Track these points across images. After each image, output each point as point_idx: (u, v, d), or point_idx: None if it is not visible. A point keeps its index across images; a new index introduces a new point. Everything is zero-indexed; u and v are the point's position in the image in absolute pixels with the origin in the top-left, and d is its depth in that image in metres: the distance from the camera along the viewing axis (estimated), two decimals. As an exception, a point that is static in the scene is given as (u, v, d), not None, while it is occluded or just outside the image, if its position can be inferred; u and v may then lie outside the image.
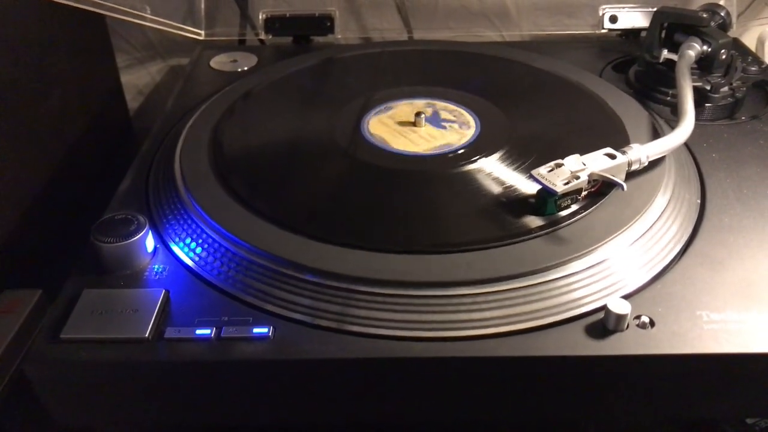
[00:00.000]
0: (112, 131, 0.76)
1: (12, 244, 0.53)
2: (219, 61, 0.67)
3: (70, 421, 0.38)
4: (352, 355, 0.35)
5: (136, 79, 0.82)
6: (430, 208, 0.44)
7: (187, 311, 0.38)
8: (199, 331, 0.36)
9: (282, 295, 0.38)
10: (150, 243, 0.42)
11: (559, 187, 0.39)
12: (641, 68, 0.61)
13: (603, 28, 0.70)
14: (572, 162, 0.40)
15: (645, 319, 0.37)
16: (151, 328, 0.36)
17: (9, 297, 0.49)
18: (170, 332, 0.36)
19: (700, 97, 0.56)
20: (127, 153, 0.71)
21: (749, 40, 0.75)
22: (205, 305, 0.38)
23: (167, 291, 0.39)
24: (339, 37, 0.71)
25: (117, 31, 0.77)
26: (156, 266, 0.41)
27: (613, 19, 0.70)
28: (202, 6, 0.72)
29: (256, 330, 0.36)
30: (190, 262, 0.41)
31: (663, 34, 0.59)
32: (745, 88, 0.57)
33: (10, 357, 0.45)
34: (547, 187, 0.39)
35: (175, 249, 0.42)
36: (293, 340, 0.36)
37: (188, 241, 0.42)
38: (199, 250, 0.42)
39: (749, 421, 0.42)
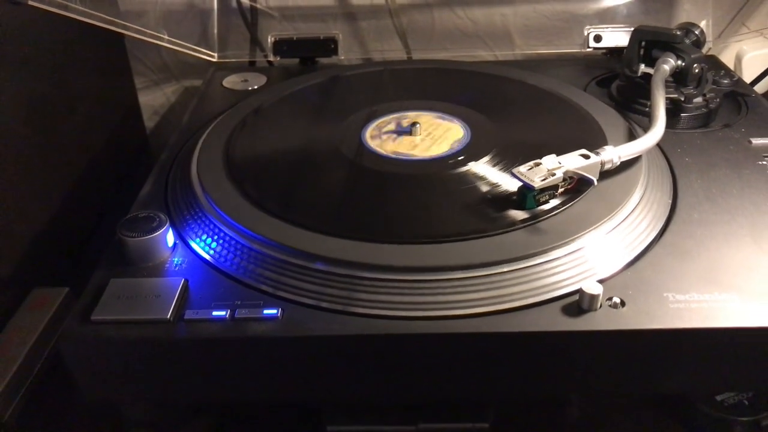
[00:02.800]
0: (130, 147, 0.81)
1: (41, 247, 0.58)
2: (231, 81, 0.72)
3: (98, 395, 0.42)
4: (354, 332, 0.39)
5: (152, 100, 0.88)
6: (424, 205, 0.48)
7: (204, 297, 0.42)
8: (215, 313, 0.41)
9: (290, 282, 0.42)
10: (170, 238, 0.46)
11: (537, 183, 0.44)
12: (622, 82, 0.66)
13: (588, 47, 0.75)
14: (549, 161, 0.45)
15: (616, 299, 0.41)
16: (172, 311, 0.41)
17: (39, 294, 0.54)
18: (189, 314, 0.41)
19: (676, 107, 0.60)
20: (143, 167, 0.76)
21: (728, 57, 0.80)
22: (220, 292, 0.42)
23: (186, 280, 0.43)
24: (342, 58, 0.76)
25: (135, 54, 0.83)
26: (175, 259, 0.45)
27: (598, 38, 0.75)
28: (215, 31, 0.78)
29: (266, 311, 0.40)
30: (206, 256, 0.45)
31: (642, 51, 0.64)
32: (718, 99, 0.62)
33: (40, 348, 0.50)
34: (526, 183, 0.44)
35: (193, 245, 0.47)
36: (300, 320, 0.40)
37: (204, 237, 0.47)
38: (214, 245, 0.46)
39: (719, 397, 0.46)
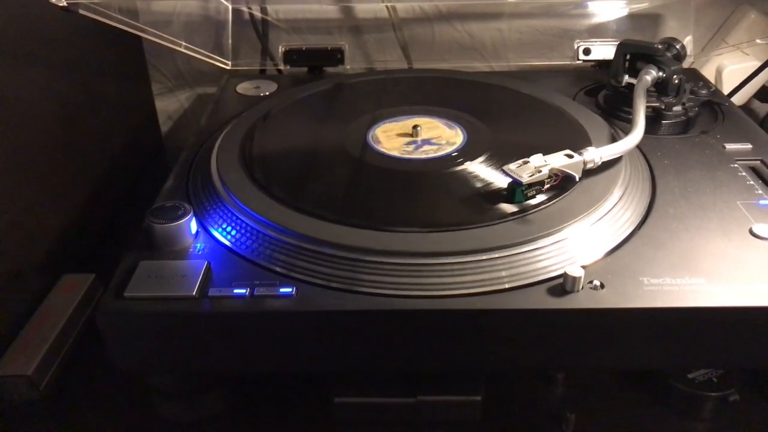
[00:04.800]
0: (147, 148, 0.86)
1: (69, 236, 0.62)
2: (244, 87, 0.77)
3: (128, 365, 0.47)
4: (360, 308, 0.44)
5: (167, 105, 0.93)
6: (423, 199, 0.53)
7: (226, 278, 0.47)
8: (236, 291, 0.45)
9: (303, 264, 0.47)
10: (193, 226, 0.51)
11: (525, 179, 0.48)
12: (608, 92, 0.71)
13: (578, 60, 0.81)
14: (536, 159, 0.50)
15: (596, 282, 0.45)
16: (197, 288, 0.45)
17: (67, 280, 0.58)
18: (213, 291, 0.45)
19: (657, 115, 0.65)
20: (159, 168, 0.81)
21: (709, 71, 0.85)
22: (240, 273, 0.47)
23: (208, 262, 0.47)
24: (348, 67, 0.81)
25: (153, 62, 0.88)
26: (198, 245, 0.50)
27: (587, 51, 0.81)
28: (230, 41, 0.83)
29: (282, 290, 0.45)
30: (226, 242, 0.50)
31: (626, 63, 0.69)
32: (696, 108, 0.67)
33: (71, 327, 0.54)
34: (514, 178, 0.49)
35: (214, 232, 0.51)
36: (313, 297, 0.45)
37: (224, 225, 0.51)
38: (233, 232, 0.50)
39: (690, 375, 0.50)
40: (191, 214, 0.50)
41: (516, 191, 0.50)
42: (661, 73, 0.66)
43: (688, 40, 0.83)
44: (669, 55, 0.68)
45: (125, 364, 0.47)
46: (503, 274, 0.46)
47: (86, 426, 0.50)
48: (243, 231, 0.50)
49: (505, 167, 0.50)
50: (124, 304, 0.45)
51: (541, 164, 0.49)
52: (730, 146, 0.62)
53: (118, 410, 0.51)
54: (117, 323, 0.45)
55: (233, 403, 0.52)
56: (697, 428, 0.50)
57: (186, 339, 0.46)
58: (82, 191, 0.66)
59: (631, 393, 0.52)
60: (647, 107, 0.64)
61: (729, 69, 0.83)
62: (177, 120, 0.94)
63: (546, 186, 0.51)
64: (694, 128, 0.66)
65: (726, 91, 0.80)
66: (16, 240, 0.54)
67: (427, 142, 0.60)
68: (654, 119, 0.65)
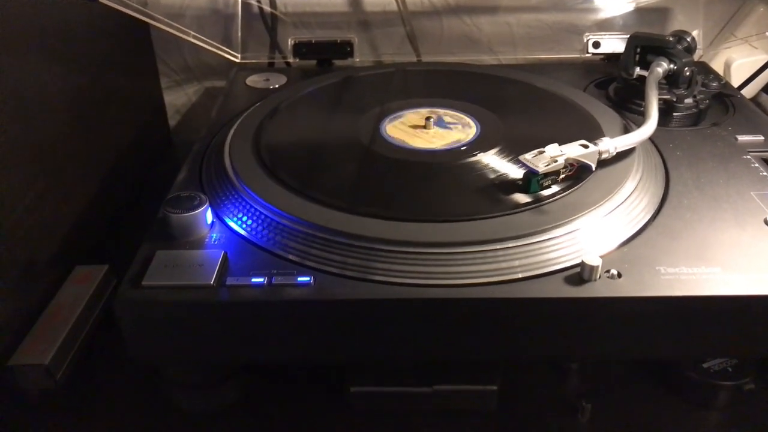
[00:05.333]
0: (156, 141, 0.86)
1: (80, 228, 0.63)
2: (253, 80, 0.77)
3: (146, 355, 0.47)
4: (376, 297, 0.44)
5: (175, 99, 0.93)
6: (438, 189, 0.53)
7: (243, 267, 0.47)
8: (254, 279, 0.45)
9: (319, 254, 0.47)
10: (209, 216, 0.51)
11: (541, 168, 0.48)
12: (619, 85, 0.71)
13: (588, 53, 0.81)
14: (552, 149, 0.50)
15: (614, 272, 0.45)
16: (215, 277, 0.45)
17: (81, 271, 0.59)
18: (230, 280, 0.45)
19: (669, 107, 0.65)
20: (167, 161, 0.81)
21: (718, 64, 0.85)
22: (256, 263, 0.47)
23: (225, 252, 0.48)
24: (357, 60, 0.81)
25: (161, 57, 0.88)
26: (214, 235, 0.50)
27: (596, 44, 0.81)
28: (239, 34, 0.83)
29: (300, 279, 0.45)
30: (242, 232, 0.50)
31: (637, 56, 0.69)
32: (707, 101, 0.67)
33: (85, 317, 0.54)
34: (531, 168, 0.49)
35: (229, 222, 0.51)
36: (330, 286, 0.45)
37: (240, 215, 0.51)
38: (249, 222, 0.50)
39: (705, 365, 0.50)
40: (207, 204, 0.50)
41: (532, 181, 0.50)
42: (672, 66, 0.66)
43: (696, 34, 0.83)
44: (680, 47, 0.68)
45: (142, 353, 0.47)
46: (516, 263, 0.46)
47: (102, 415, 0.50)
48: (258, 221, 0.50)
49: (521, 157, 0.50)
50: (141, 293, 0.45)
51: (556, 154, 0.50)
52: (742, 138, 0.62)
53: (134, 400, 0.51)
54: (134, 312, 0.45)
55: (249, 393, 0.52)
56: (712, 418, 0.50)
57: (203, 328, 0.46)
58: (92, 184, 0.66)
59: (645, 383, 0.52)
60: (659, 99, 0.65)
61: (738, 62, 0.83)
62: (185, 114, 0.94)
63: (561, 176, 0.51)
64: (705, 120, 0.66)
65: (735, 84, 0.80)
66: (29, 231, 0.54)
67: (441, 133, 0.60)
68: (666, 111, 0.65)
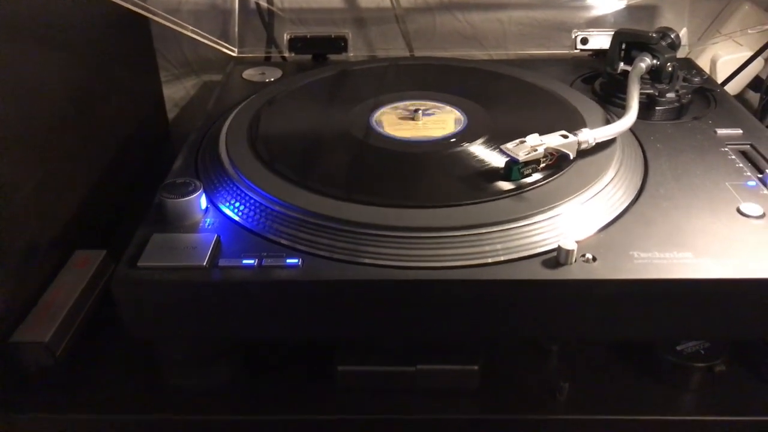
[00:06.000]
0: (155, 134, 0.88)
1: (81, 215, 0.65)
2: (249, 73, 0.79)
3: (141, 333, 0.49)
4: (361, 278, 0.46)
5: (174, 93, 0.95)
6: (424, 177, 0.56)
7: (234, 250, 0.49)
8: (245, 261, 0.47)
9: (308, 237, 0.49)
10: (203, 201, 0.53)
11: (521, 157, 0.51)
12: (604, 80, 0.73)
13: (576, 49, 0.83)
14: (532, 139, 0.52)
15: (589, 256, 0.47)
16: (208, 259, 0.47)
17: (80, 256, 0.60)
18: (222, 262, 0.47)
19: (651, 101, 0.67)
20: (166, 153, 0.83)
21: (704, 61, 0.87)
22: (248, 246, 0.49)
23: (218, 235, 0.49)
24: (351, 55, 0.83)
25: (160, 51, 0.90)
26: (208, 220, 0.52)
27: (584, 41, 0.83)
28: (236, 29, 0.85)
29: (289, 260, 0.47)
30: (235, 217, 0.52)
31: (622, 51, 0.71)
32: (689, 95, 0.69)
33: (84, 299, 0.56)
34: (511, 157, 0.51)
35: (223, 208, 0.53)
36: (318, 268, 0.47)
37: (233, 201, 0.53)
38: (242, 207, 0.52)
39: (679, 347, 0.52)
40: (201, 190, 0.52)
41: (513, 169, 0.52)
42: (655, 61, 0.68)
43: (683, 33, 0.85)
44: (664, 43, 0.70)
45: (138, 331, 0.49)
46: (499, 247, 0.48)
47: (99, 391, 0.52)
48: (251, 207, 0.52)
49: (502, 146, 0.52)
50: (137, 273, 0.47)
51: (537, 143, 0.52)
52: (721, 131, 0.64)
53: (130, 377, 0.54)
54: (131, 291, 0.47)
55: (241, 371, 0.54)
56: (685, 398, 0.52)
57: (196, 307, 0.48)
58: (92, 173, 0.68)
59: (622, 364, 0.54)
60: (642, 94, 0.67)
61: (723, 59, 0.85)
62: (183, 107, 0.96)
63: (542, 165, 0.53)
64: (687, 114, 0.68)
65: (720, 80, 0.82)
66: (30, 217, 0.56)
67: (428, 123, 0.62)
68: (648, 105, 0.67)
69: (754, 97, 0.87)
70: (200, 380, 0.53)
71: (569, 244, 0.46)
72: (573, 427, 0.51)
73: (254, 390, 0.53)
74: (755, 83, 0.86)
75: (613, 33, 0.71)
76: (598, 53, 0.83)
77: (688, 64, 0.79)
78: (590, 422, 0.51)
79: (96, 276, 0.59)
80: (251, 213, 0.52)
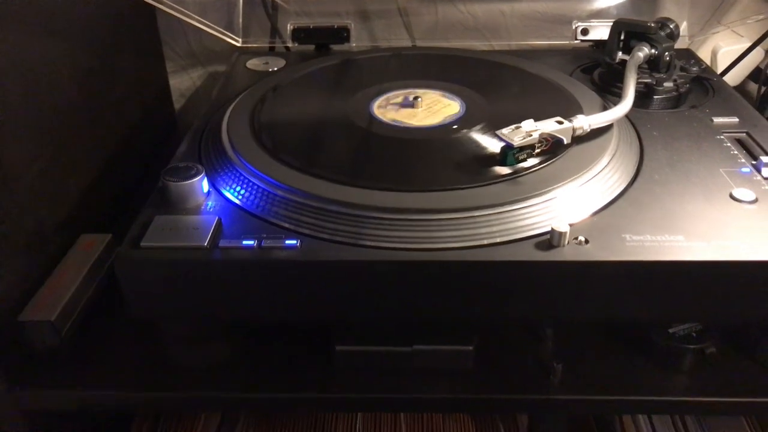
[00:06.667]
0: (161, 124, 0.89)
1: (86, 201, 0.66)
2: (253, 63, 0.81)
3: (144, 312, 0.50)
4: (359, 258, 0.47)
5: (180, 83, 0.96)
6: (422, 163, 0.56)
7: (235, 232, 0.50)
8: (245, 242, 0.48)
9: (307, 220, 0.50)
10: (205, 185, 0.54)
11: (516, 142, 0.51)
12: (603, 69, 0.74)
13: (576, 40, 0.83)
14: (527, 124, 0.53)
15: (581, 238, 0.48)
16: (209, 240, 0.48)
17: (86, 239, 0.62)
18: (223, 242, 0.48)
19: (649, 90, 0.68)
20: (172, 142, 0.84)
21: (705, 53, 0.88)
22: (248, 228, 0.50)
23: (219, 218, 0.51)
24: (354, 45, 0.84)
25: (167, 41, 0.92)
26: (209, 203, 0.53)
27: (585, 32, 0.83)
28: (240, 20, 0.86)
29: (287, 241, 0.48)
30: (236, 200, 0.53)
31: (621, 41, 0.71)
32: (687, 85, 0.69)
33: (89, 281, 0.58)
34: (507, 142, 0.52)
35: (224, 192, 0.54)
36: (316, 249, 0.48)
37: (234, 185, 0.54)
38: (243, 191, 0.54)
39: (671, 330, 0.53)
40: (203, 173, 0.53)
41: (507, 154, 0.53)
42: (653, 51, 0.68)
43: (684, 26, 0.85)
44: (662, 33, 0.71)
45: (140, 309, 0.50)
46: (494, 229, 0.49)
47: (103, 368, 0.54)
48: (251, 190, 0.53)
49: (498, 132, 0.53)
50: (140, 253, 0.48)
51: (532, 129, 0.52)
52: (717, 119, 0.65)
53: (133, 355, 0.55)
54: (133, 271, 0.48)
55: (241, 350, 0.55)
56: (676, 379, 0.53)
57: (197, 286, 0.49)
58: (99, 159, 0.70)
59: (615, 346, 0.55)
60: (640, 83, 0.68)
61: (724, 50, 0.86)
62: (189, 97, 0.97)
63: (537, 150, 0.54)
64: (685, 104, 0.69)
65: (720, 71, 0.83)
66: (37, 200, 0.57)
67: (427, 111, 0.63)
68: (646, 95, 0.68)
69: (754, 88, 0.87)
70: (201, 359, 0.54)
71: (562, 227, 0.47)
72: (566, 407, 0.52)
73: (254, 369, 0.54)
74: (756, 74, 0.87)
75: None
76: (599, 44, 0.84)
77: (689, 55, 0.80)
78: (583, 402, 0.52)
79: (101, 258, 0.60)
80: (252, 197, 0.53)
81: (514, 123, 0.54)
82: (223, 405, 0.53)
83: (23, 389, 0.53)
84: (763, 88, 0.80)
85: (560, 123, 0.54)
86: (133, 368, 0.54)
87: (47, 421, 0.56)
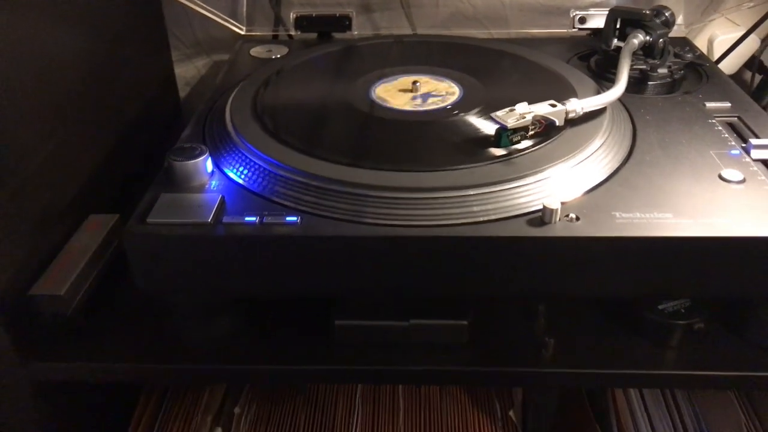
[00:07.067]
0: (166, 111, 0.91)
1: (94, 183, 0.68)
2: (257, 51, 0.82)
3: (150, 285, 0.52)
4: (357, 234, 0.49)
5: (185, 72, 0.98)
6: (420, 144, 0.58)
7: (238, 209, 0.51)
8: (247, 218, 0.50)
9: (308, 199, 0.52)
10: (209, 165, 0.56)
11: (510, 123, 0.53)
12: (600, 56, 0.76)
13: (574, 28, 0.85)
14: (521, 107, 0.54)
15: (572, 215, 0.50)
16: (212, 216, 0.50)
17: (94, 219, 0.64)
18: (226, 219, 0.50)
19: (644, 76, 0.70)
20: (177, 129, 0.86)
21: (702, 42, 0.89)
22: (250, 206, 0.52)
23: (222, 196, 0.53)
24: (355, 33, 0.86)
25: (172, 30, 0.93)
26: (213, 182, 0.55)
27: (582, 20, 0.85)
28: (244, 8, 0.88)
29: (288, 218, 0.50)
30: (239, 180, 0.55)
31: (617, 28, 0.73)
32: (682, 71, 0.71)
33: (96, 259, 0.60)
34: (501, 124, 0.53)
35: (228, 173, 0.56)
36: (315, 225, 0.50)
37: (237, 166, 0.56)
38: (246, 171, 0.55)
39: (660, 306, 0.55)
40: (207, 153, 0.55)
41: (502, 136, 0.54)
42: (648, 38, 0.70)
43: (681, 18, 0.86)
44: (658, 21, 0.72)
45: (146, 283, 0.52)
46: (489, 207, 0.51)
47: (111, 340, 0.56)
48: (253, 170, 0.55)
49: (492, 114, 0.55)
50: (147, 228, 0.50)
51: (525, 111, 0.54)
52: (710, 104, 0.66)
53: (140, 329, 0.57)
54: (141, 245, 0.50)
55: (245, 325, 0.57)
56: (665, 354, 0.54)
57: (201, 261, 0.51)
58: (106, 142, 0.71)
59: (607, 322, 0.57)
60: (635, 69, 0.69)
61: (720, 39, 0.87)
62: (194, 86, 0.99)
63: (531, 132, 0.55)
64: (680, 90, 0.70)
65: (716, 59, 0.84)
66: (47, 179, 0.59)
67: (426, 95, 0.65)
68: (641, 80, 0.70)
69: (750, 77, 0.88)
70: (205, 332, 0.56)
71: (553, 204, 0.49)
72: (557, 380, 0.54)
73: (257, 342, 0.56)
74: (751, 63, 0.88)
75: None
76: (596, 32, 0.85)
77: (685, 44, 0.81)
78: (574, 375, 0.54)
79: (109, 237, 0.62)
80: (254, 176, 0.55)
81: (509, 104, 0.56)
82: (228, 376, 0.55)
83: (34, 361, 0.54)
84: (758, 77, 0.82)
85: (553, 106, 0.56)
86: (140, 341, 0.56)
87: (58, 396, 0.58)
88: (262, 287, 0.53)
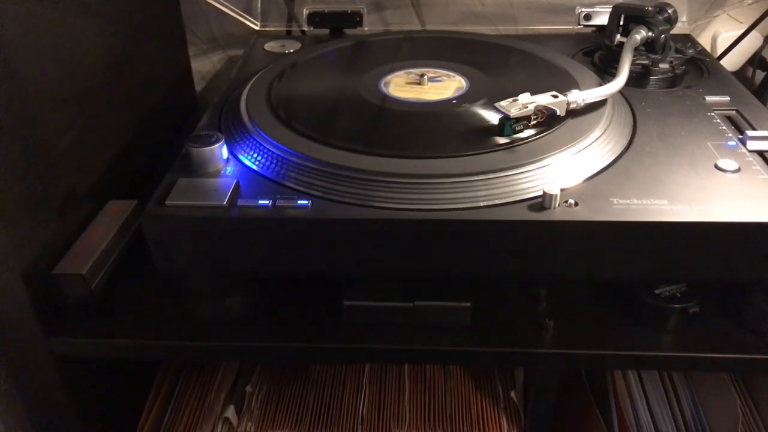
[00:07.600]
0: (183, 105, 0.94)
1: (115, 171, 0.71)
2: (271, 46, 0.85)
3: (168, 265, 0.54)
4: (367, 217, 0.51)
5: (201, 67, 1.01)
6: (428, 133, 0.61)
7: (251, 193, 0.54)
8: (260, 201, 0.53)
9: (319, 184, 0.54)
10: (225, 152, 0.58)
11: (513, 113, 0.55)
12: (603, 52, 0.78)
13: (579, 25, 0.87)
14: (524, 97, 0.57)
15: (571, 201, 0.52)
16: (228, 199, 0.53)
17: (114, 204, 0.67)
18: (241, 202, 0.53)
19: (646, 71, 0.72)
20: (194, 123, 0.89)
21: (705, 39, 0.91)
22: (264, 190, 0.54)
23: (237, 181, 0.55)
24: (366, 29, 0.88)
25: (189, 26, 0.96)
26: (228, 168, 0.58)
27: (588, 17, 0.87)
28: (259, 5, 0.91)
29: (300, 202, 0.53)
30: (253, 166, 0.57)
31: (620, 25, 0.75)
32: (683, 66, 0.73)
33: (117, 241, 0.62)
34: (504, 113, 0.56)
35: (243, 159, 0.59)
36: (326, 209, 0.52)
37: (251, 152, 0.59)
38: (259, 158, 0.58)
39: (657, 291, 0.57)
40: (223, 141, 0.58)
41: (505, 125, 0.56)
42: (650, 33, 0.72)
43: (685, 17, 0.88)
44: (660, 17, 0.74)
45: (164, 262, 0.54)
46: (492, 192, 0.53)
47: (130, 318, 0.59)
48: (267, 157, 0.58)
49: (496, 104, 0.57)
50: (165, 210, 0.52)
51: (528, 101, 0.56)
52: (710, 98, 0.68)
53: (158, 308, 0.60)
54: (159, 227, 0.53)
55: (257, 305, 0.60)
56: (661, 336, 0.56)
57: (216, 241, 0.53)
58: (125, 132, 0.74)
59: (605, 306, 0.59)
60: (638, 64, 0.71)
61: (723, 36, 0.89)
62: (210, 80, 1.02)
63: (533, 122, 0.58)
64: (681, 84, 0.72)
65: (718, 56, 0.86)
66: (69, 166, 0.62)
67: (433, 88, 0.67)
68: (643, 75, 0.72)
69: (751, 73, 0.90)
70: (219, 312, 0.58)
71: (553, 190, 0.51)
72: (557, 360, 0.56)
73: (268, 322, 0.58)
74: (755, 60, 0.90)
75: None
76: (601, 29, 0.87)
77: (688, 40, 0.83)
78: (573, 356, 0.56)
79: (128, 221, 0.65)
80: (267, 163, 0.57)
81: (513, 96, 0.58)
82: (241, 354, 0.58)
83: (57, 338, 0.57)
84: (761, 73, 0.83)
85: (555, 97, 0.58)
86: (158, 320, 0.59)
87: (79, 370, 0.61)
88: (273, 267, 0.55)
